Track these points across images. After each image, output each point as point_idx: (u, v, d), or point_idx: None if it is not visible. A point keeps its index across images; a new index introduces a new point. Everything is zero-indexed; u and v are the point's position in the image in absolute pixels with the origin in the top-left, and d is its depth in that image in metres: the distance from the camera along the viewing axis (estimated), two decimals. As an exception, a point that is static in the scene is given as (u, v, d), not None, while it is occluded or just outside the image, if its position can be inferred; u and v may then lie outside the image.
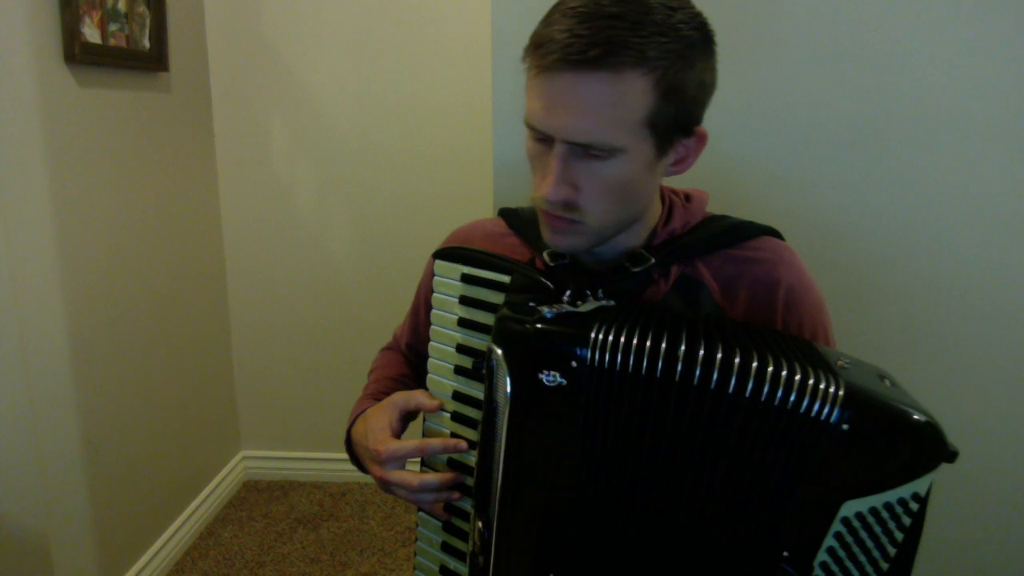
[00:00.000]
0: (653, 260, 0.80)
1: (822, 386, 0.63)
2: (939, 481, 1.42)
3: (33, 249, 1.55)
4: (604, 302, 0.74)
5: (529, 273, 0.79)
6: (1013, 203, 1.25)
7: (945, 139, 1.24)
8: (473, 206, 2.26)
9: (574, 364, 0.66)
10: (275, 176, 2.38)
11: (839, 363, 0.68)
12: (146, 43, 1.89)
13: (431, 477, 0.81)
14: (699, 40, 0.70)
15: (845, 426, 0.63)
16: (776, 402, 0.64)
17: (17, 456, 1.54)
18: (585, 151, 0.70)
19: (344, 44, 2.27)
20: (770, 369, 0.64)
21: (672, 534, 0.69)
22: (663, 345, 0.65)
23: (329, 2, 2.24)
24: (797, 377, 0.64)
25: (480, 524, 0.73)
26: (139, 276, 1.95)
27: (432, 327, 0.84)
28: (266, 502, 2.46)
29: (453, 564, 0.85)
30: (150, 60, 1.91)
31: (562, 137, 0.70)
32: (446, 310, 0.83)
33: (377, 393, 0.97)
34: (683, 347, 0.65)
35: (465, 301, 0.81)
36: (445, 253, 0.84)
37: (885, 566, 0.66)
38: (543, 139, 0.72)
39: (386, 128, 2.32)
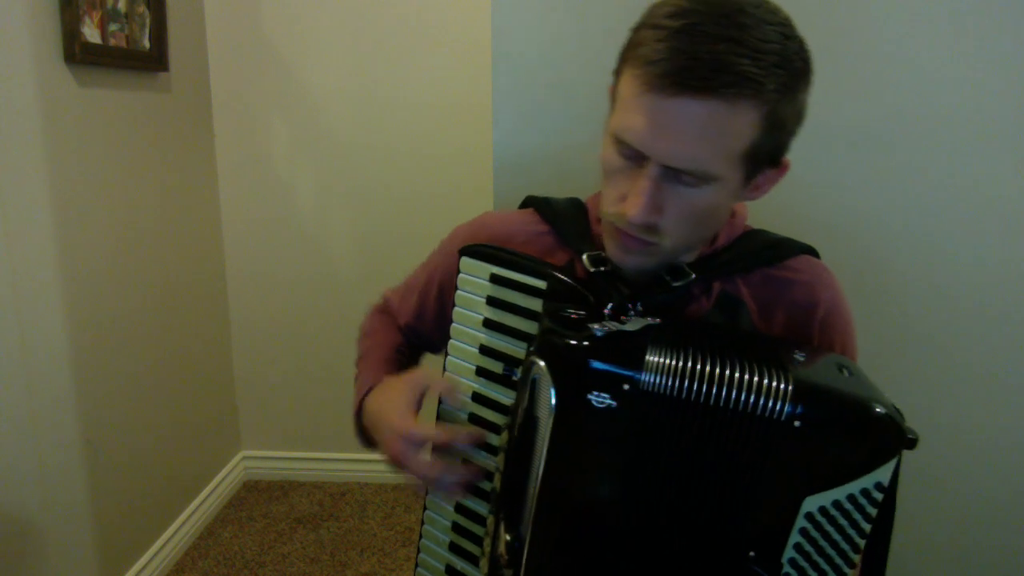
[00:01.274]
0: (693, 276, 0.78)
1: (772, 383, 0.63)
2: (938, 482, 1.41)
3: (33, 249, 1.55)
4: (650, 320, 0.72)
5: (566, 280, 0.76)
6: (1014, 204, 1.25)
7: (946, 140, 1.24)
8: (473, 206, 2.25)
9: (626, 387, 0.65)
10: (275, 176, 2.38)
11: (794, 356, 0.68)
12: (146, 43, 1.89)
13: (454, 467, 0.79)
14: (805, 71, 0.68)
15: (797, 423, 0.63)
16: (726, 403, 0.64)
17: (17, 456, 1.54)
18: (678, 175, 0.68)
19: (344, 44, 2.27)
20: (726, 372, 0.64)
21: (668, 545, 0.69)
22: (725, 371, 0.64)
23: (329, 2, 2.24)
24: (745, 376, 0.64)
25: (508, 537, 0.72)
26: (139, 276, 1.95)
27: (453, 325, 0.82)
28: (266, 502, 2.46)
29: (460, 565, 0.85)
30: (150, 60, 1.91)
31: (663, 161, 0.67)
32: (471, 309, 0.81)
33: (384, 362, 0.94)
34: (737, 373, 0.64)
35: (493, 302, 0.79)
36: (474, 251, 0.81)
37: (856, 557, 0.66)
38: (632, 155, 0.69)
39: (386, 128, 2.32)
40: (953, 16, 1.19)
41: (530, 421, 0.70)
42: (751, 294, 0.82)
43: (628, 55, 0.69)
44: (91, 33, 1.66)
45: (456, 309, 0.82)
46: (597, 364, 0.65)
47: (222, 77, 2.30)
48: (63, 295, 1.64)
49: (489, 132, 1.31)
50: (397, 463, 0.80)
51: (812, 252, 0.86)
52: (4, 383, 1.49)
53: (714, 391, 0.64)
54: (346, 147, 2.35)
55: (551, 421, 0.67)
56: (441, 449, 0.81)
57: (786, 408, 0.63)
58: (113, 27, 1.74)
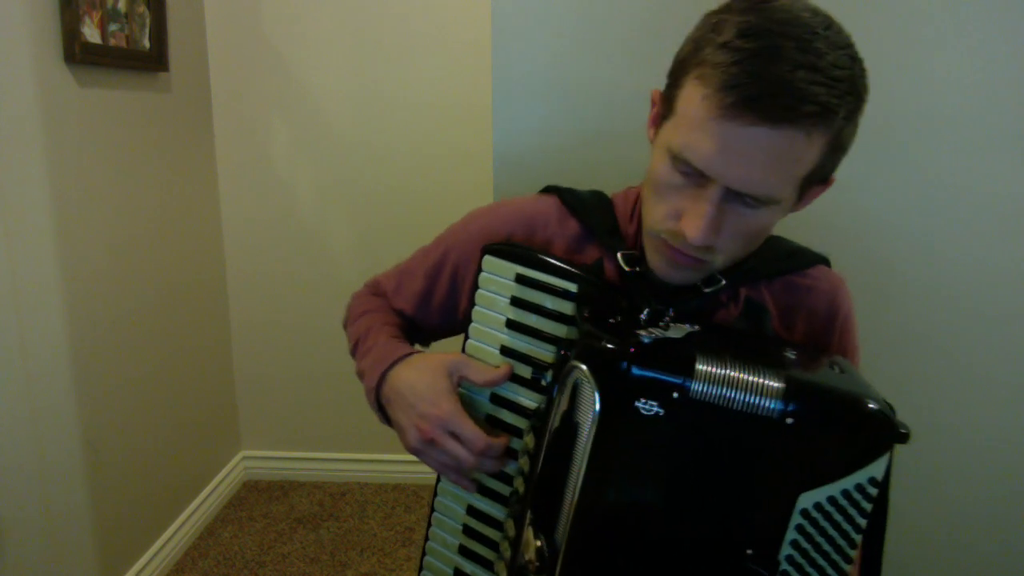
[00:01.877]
0: (724, 282, 0.78)
1: (764, 381, 0.63)
2: (938, 482, 1.42)
3: (33, 249, 1.55)
4: (690, 327, 0.71)
5: (599, 284, 0.75)
6: (1014, 204, 1.25)
7: (946, 139, 1.24)
8: (473, 205, 2.25)
9: (675, 395, 0.64)
10: (275, 176, 2.38)
11: (786, 355, 0.68)
12: (146, 43, 1.89)
13: (490, 461, 0.77)
14: (865, 94, 0.67)
15: (789, 420, 0.63)
16: (722, 402, 0.64)
17: (17, 457, 1.54)
18: (741, 198, 0.66)
19: (344, 44, 2.27)
20: (741, 376, 0.64)
21: (682, 548, 0.69)
22: (763, 381, 0.64)
23: (329, 2, 2.24)
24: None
25: (539, 543, 0.71)
26: (139, 276, 1.95)
27: (473, 324, 0.80)
28: (266, 502, 2.46)
29: (471, 568, 0.83)
30: (150, 60, 1.91)
31: (731, 186, 0.65)
32: (493, 309, 0.79)
33: (397, 339, 0.88)
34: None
35: (517, 303, 0.78)
36: (499, 250, 0.79)
37: (853, 553, 0.66)
38: (693, 174, 0.67)
39: (386, 128, 2.32)
40: (954, 16, 1.19)
41: (568, 426, 0.68)
42: (773, 301, 0.83)
43: (693, 71, 0.66)
44: (91, 33, 1.66)
45: (476, 308, 0.80)
46: (647, 372, 0.64)
47: (222, 77, 2.30)
48: (63, 295, 1.64)
49: (489, 132, 1.31)
50: (426, 447, 0.77)
51: (827, 262, 0.87)
52: (4, 383, 1.49)
53: (739, 395, 0.64)
54: (346, 147, 2.34)
55: (595, 427, 0.66)
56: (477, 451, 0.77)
57: (778, 406, 0.63)
58: (113, 27, 1.74)
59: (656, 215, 0.72)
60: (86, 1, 1.63)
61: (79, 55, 1.61)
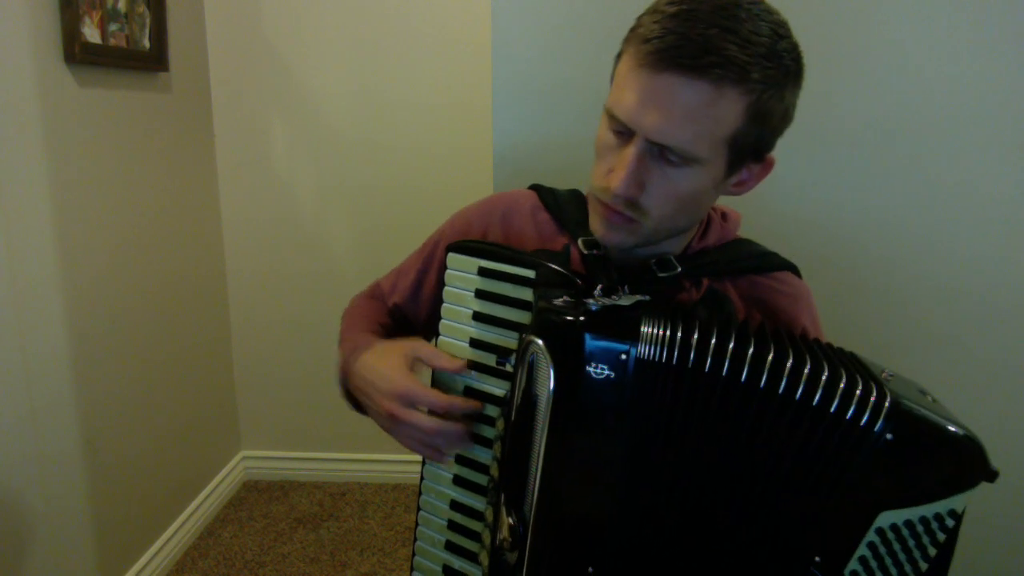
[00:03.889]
0: (679, 269, 0.81)
1: (866, 394, 0.63)
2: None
3: (33, 249, 1.55)
4: (640, 297, 0.72)
5: (555, 268, 0.78)
6: (1014, 203, 1.25)
7: (947, 139, 1.24)
8: (473, 206, 2.25)
9: (623, 357, 0.66)
10: (275, 176, 2.38)
11: (883, 375, 0.68)
12: (146, 43, 1.89)
13: (452, 425, 0.78)
14: (795, 72, 0.71)
15: (889, 436, 0.62)
16: (822, 407, 0.63)
17: (17, 456, 1.54)
18: (663, 154, 0.70)
19: (344, 44, 2.27)
20: (824, 376, 0.64)
21: (710, 535, 0.68)
22: (714, 341, 0.65)
23: (329, 2, 2.24)
24: (849, 387, 0.63)
25: (512, 521, 0.72)
26: (139, 276, 1.95)
27: (442, 321, 0.83)
28: (266, 502, 2.46)
29: (458, 563, 0.84)
30: (150, 60, 1.91)
31: (648, 136, 0.70)
32: (460, 304, 0.81)
33: (371, 333, 0.92)
34: (732, 344, 0.64)
35: (482, 295, 0.80)
36: (461, 247, 0.82)
37: None
38: (622, 132, 0.72)
39: (386, 127, 2.32)
40: (951, 15, 1.19)
41: (529, 401, 0.70)
42: (739, 296, 0.85)
43: (628, 38, 0.73)
44: (91, 33, 1.66)
45: (445, 305, 0.83)
46: (593, 336, 0.66)
47: (222, 77, 2.30)
48: (63, 295, 1.64)
49: (489, 132, 1.31)
50: (390, 423, 0.79)
51: (796, 271, 0.88)
52: (4, 383, 1.49)
53: (710, 362, 0.64)
54: (346, 147, 2.35)
55: (551, 396, 0.67)
56: (437, 416, 0.79)
57: (879, 421, 0.62)
58: (113, 27, 1.74)
59: (594, 176, 0.77)
60: (86, 1, 1.63)
61: (79, 55, 1.61)
